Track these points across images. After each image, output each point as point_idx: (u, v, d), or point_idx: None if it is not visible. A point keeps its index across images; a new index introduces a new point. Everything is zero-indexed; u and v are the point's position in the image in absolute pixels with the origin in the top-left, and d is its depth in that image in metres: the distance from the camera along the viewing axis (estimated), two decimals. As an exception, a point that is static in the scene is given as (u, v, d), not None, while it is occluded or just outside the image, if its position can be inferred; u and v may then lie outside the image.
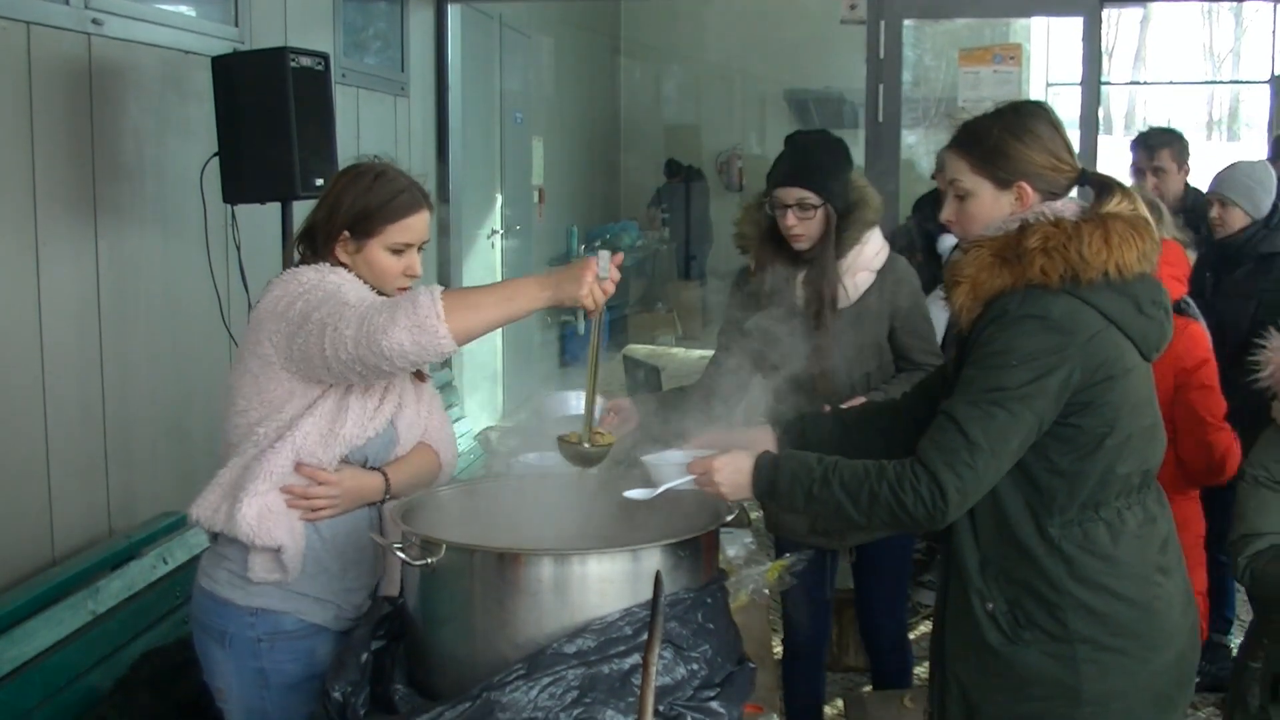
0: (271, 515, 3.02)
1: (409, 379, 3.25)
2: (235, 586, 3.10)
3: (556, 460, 3.37)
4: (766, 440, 3.15)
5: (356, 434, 3.07)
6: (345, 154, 5.56)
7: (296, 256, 3.17)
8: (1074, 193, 2.97)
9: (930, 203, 6.32)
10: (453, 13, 8.03)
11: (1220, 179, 5.49)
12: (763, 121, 15.26)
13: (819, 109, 14.86)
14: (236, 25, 5.47)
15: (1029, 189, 2.87)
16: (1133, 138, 6.69)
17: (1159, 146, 6.27)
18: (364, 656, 2.81)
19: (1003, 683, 2.91)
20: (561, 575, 2.60)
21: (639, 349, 8.15)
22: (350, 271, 3.10)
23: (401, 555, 2.76)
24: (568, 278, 2.84)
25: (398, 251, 3.12)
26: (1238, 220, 5.35)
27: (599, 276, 2.84)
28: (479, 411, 8.32)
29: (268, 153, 4.65)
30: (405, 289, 3.14)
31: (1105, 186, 2.88)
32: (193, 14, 5.38)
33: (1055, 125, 2.93)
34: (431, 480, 3.26)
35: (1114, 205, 2.83)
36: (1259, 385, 3.79)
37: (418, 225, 3.15)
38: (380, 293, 3.10)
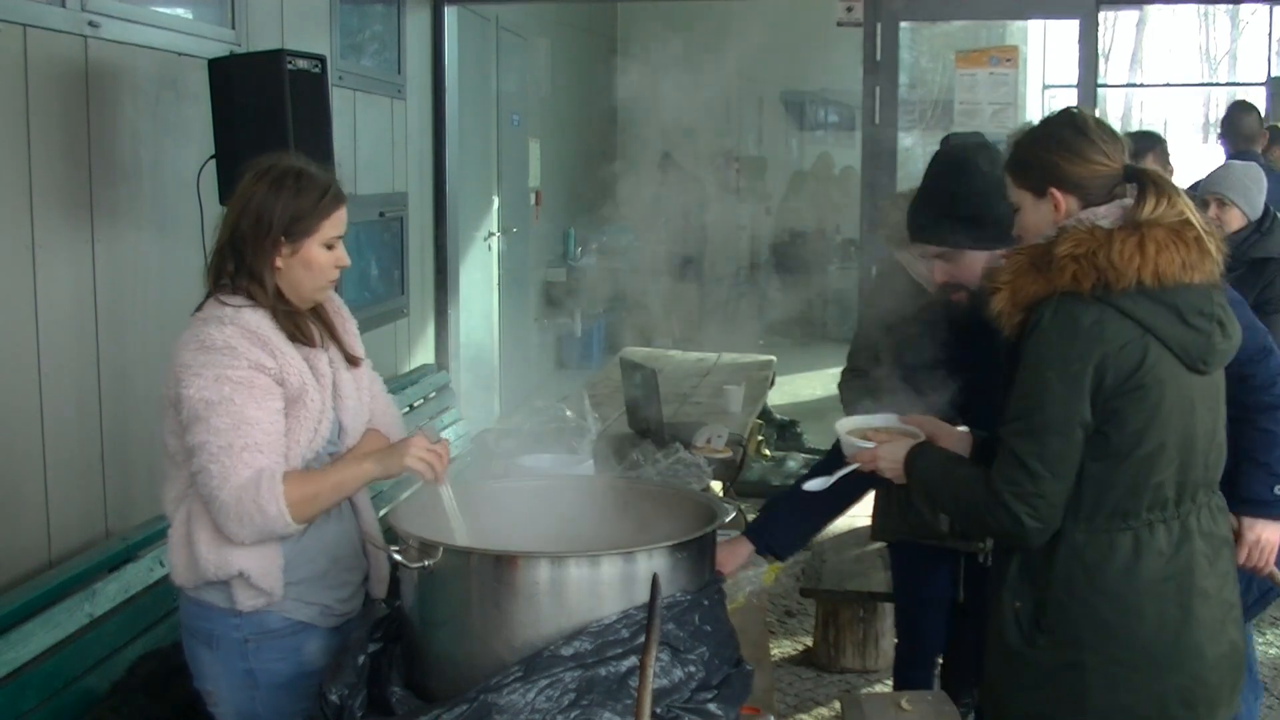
0: (229, 544, 3.02)
1: (343, 367, 3.25)
2: (220, 590, 3.11)
3: (553, 462, 3.38)
4: (963, 442, 3.24)
5: (306, 451, 3.07)
6: (343, 156, 5.58)
7: (231, 266, 3.12)
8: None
9: None
10: (449, 15, 8.03)
11: (1217, 179, 5.41)
12: (760, 123, 15.26)
13: (816, 111, 14.88)
14: (233, 27, 5.47)
15: (1060, 195, 2.92)
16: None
17: (1144, 151, 6.21)
18: (361, 659, 2.81)
19: (1021, 681, 2.93)
20: (558, 578, 2.60)
21: (636, 352, 8.14)
22: (276, 286, 3.09)
23: (399, 558, 2.76)
24: (392, 451, 3.06)
25: (332, 246, 3.13)
26: (1235, 221, 5.27)
27: (430, 442, 3.02)
28: (476, 413, 8.32)
29: (264, 155, 4.64)
30: (334, 281, 3.18)
31: (1143, 188, 2.88)
32: (189, 16, 5.38)
33: (1083, 129, 2.97)
34: None
35: (1150, 210, 2.82)
36: None
37: (344, 216, 3.17)
38: (313, 293, 3.13)
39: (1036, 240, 2.92)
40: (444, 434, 6.64)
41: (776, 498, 3.76)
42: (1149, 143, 6.24)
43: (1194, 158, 6.24)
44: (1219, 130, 8.58)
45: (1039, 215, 2.98)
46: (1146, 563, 2.84)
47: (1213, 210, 5.26)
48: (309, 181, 3.10)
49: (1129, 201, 2.89)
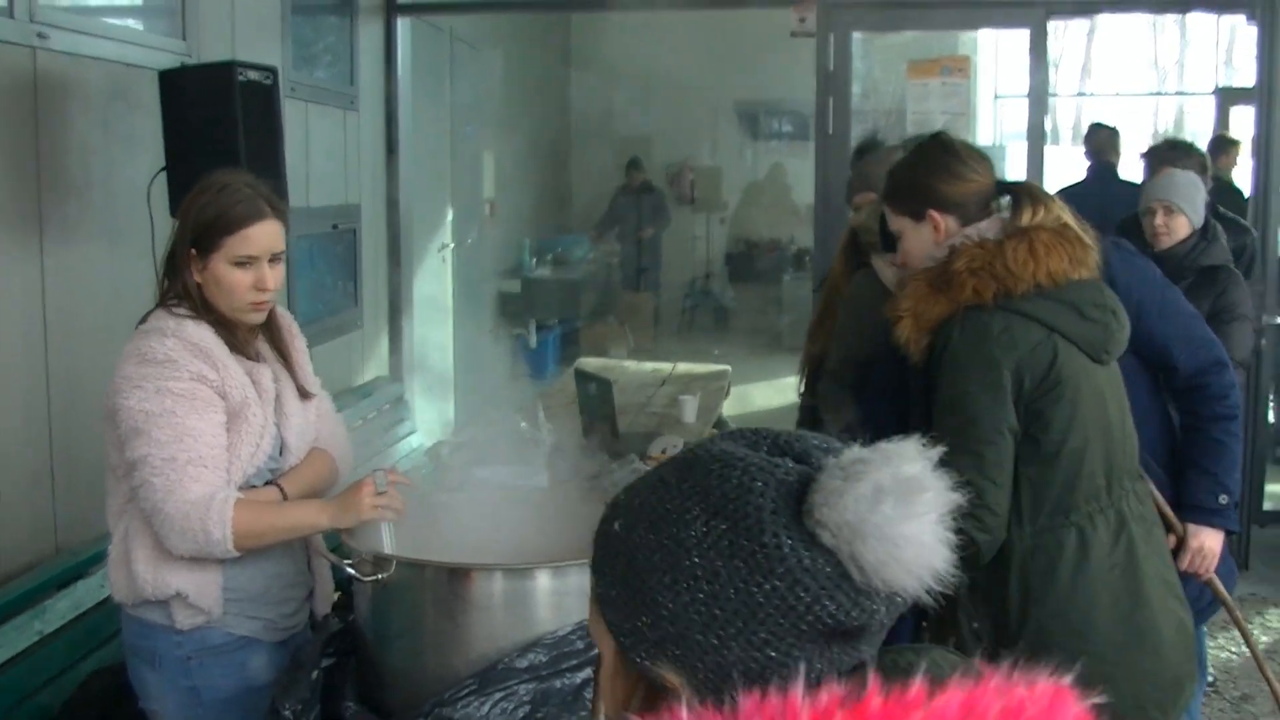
0: (166, 564, 3.00)
1: (289, 383, 3.22)
2: (159, 609, 3.08)
3: (508, 474, 3.36)
4: None
5: (247, 466, 3.05)
6: (295, 168, 5.55)
7: (165, 284, 3.10)
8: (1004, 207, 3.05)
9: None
10: (402, 26, 8.00)
11: (1163, 186, 5.38)
12: (714, 133, 15.30)
13: (769, 121, 14.92)
14: (184, 39, 5.44)
15: (939, 216, 3.01)
16: (1079, 149, 6.75)
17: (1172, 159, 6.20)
18: (314, 674, 2.80)
19: None
20: (513, 590, 2.60)
21: (590, 362, 8.13)
22: (207, 298, 3.05)
23: (352, 571, 2.75)
24: (345, 504, 3.00)
25: (242, 264, 3.01)
26: (1183, 228, 5.26)
27: (378, 490, 2.97)
28: (430, 425, 8.29)
29: (215, 167, 4.60)
30: (260, 304, 3.07)
31: (1017, 198, 2.98)
32: (139, 27, 5.35)
33: (950, 149, 3.08)
34: (330, 485, 3.24)
35: (1030, 218, 2.92)
36: None
37: (260, 236, 3.02)
38: (233, 311, 3.05)
39: (924, 264, 2.99)
40: (407, 440, 6.62)
41: None
42: (1173, 153, 6.23)
43: (1140, 166, 6.22)
44: (1085, 145, 8.87)
45: (921, 239, 3.05)
46: (1094, 554, 2.89)
47: (1160, 217, 5.24)
48: (227, 194, 3.02)
49: (1006, 214, 2.96)
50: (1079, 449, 2.92)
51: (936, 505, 1.27)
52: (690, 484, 1.29)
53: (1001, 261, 2.88)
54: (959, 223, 3.01)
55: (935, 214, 3.02)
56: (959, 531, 2.82)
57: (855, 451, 1.28)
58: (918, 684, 1.17)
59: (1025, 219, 2.93)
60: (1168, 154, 6.20)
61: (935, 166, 3.06)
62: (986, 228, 2.98)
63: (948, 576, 1.27)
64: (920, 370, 3.00)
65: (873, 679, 1.18)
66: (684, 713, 1.18)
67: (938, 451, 1.31)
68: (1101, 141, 8.74)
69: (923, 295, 2.93)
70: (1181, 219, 5.23)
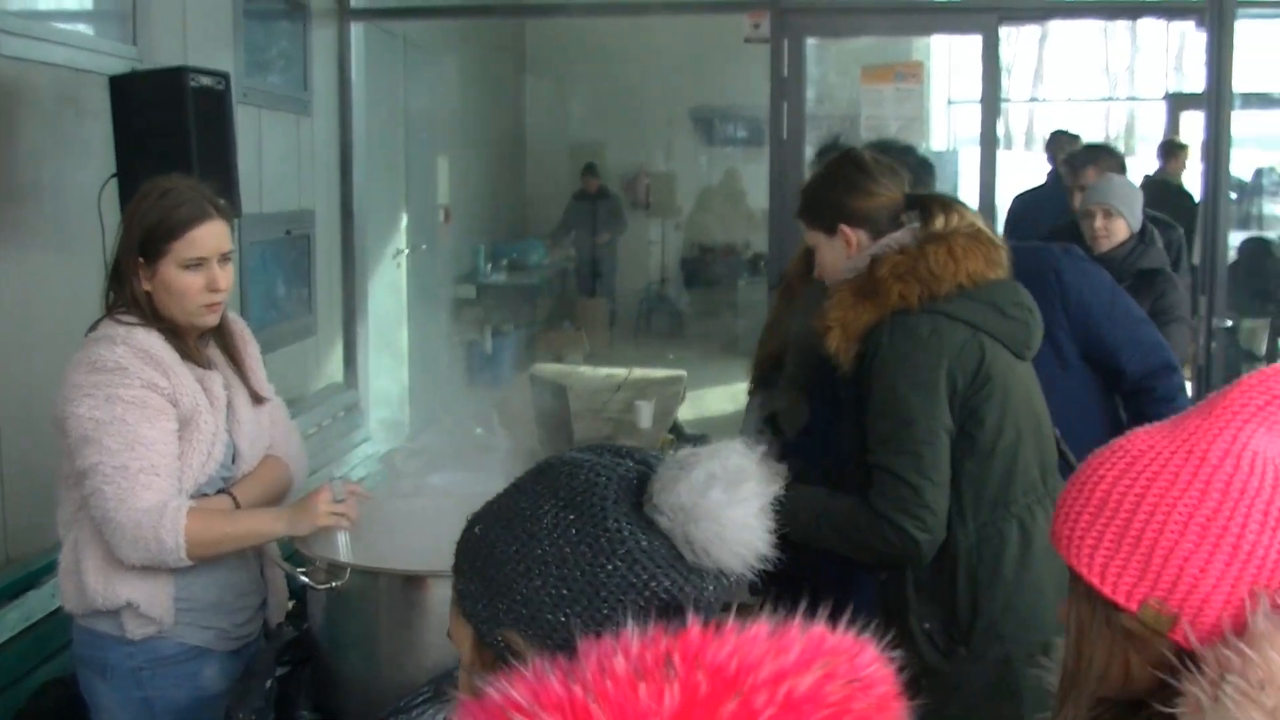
0: (117, 574, 2.98)
1: (241, 389, 3.20)
2: (110, 619, 3.05)
3: (463, 481, 3.35)
4: None
5: (199, 475, 3.03)
6: (248, 174, 5.52)
7: (110, 295, 3.08)
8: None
9: None
10: (356, 31, 7.97)
11: (1103, 190, 5.39)
12: (669, 139, 15.31)
13: (724, 127, 14.94)
14: (135, 44, 5.40)
15: (850, 230, 3.09)
16: (1032, 155, 6.80)
17: (1088, 163, 6.22)
18: (268, 683, 2.79)
19: (955, 697, 2.95)
20: (468, 597, 2.58)
21: (546, 368, 8.12)
22: (155, 307, 3.02)
23: (306, 579, 2.74)
24: (301, 510, 3.00)
25: (193, 268, 2.98)
26: (1122, 231, 5.28)
27: (335, 498, 2.98)
28: (385, 433, 8.26)
29: (168, 173, 4.59)
30: (214, 306, 3.05)
31: (925, 208, 3.06)
32: (90, 32, 5.31)
33: (860, 165, 3.15)
34: (283, 493, 3.22)
35: (942, 225, 3.01)
36: None
37: (207, 237, 3.00)
38: (187, 316, 3.03)
39: (840, 276, 3.07)
40: (361, 448, 6.60)
41: None
42: (1093, 155, 6.27)
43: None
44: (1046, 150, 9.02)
45: (834, 253, 3.13)
46: (1036, 545, 2.95)
47: (1099, 220, 5.26)
48: (170, 199, 2.99)
49: (916, 225, 3.06)
50: (1013, 443, 2.99)
51: (759, 493, 1.41)
52: (543, 485, 1.45)
53: (924, 265, 2.96)
54: (870, 237, 3.08)
55: (846, 229, 3.10)
56: (899, 530, 2.89)
57: (688, 450, 1.43)
58: (730, 620, 1.30)
59: (938, 225, 3.01)
60: (1087, 158, 6.24)
61: (845, 182, 3.14)
62: (899, 238, 3.05)
63: (769, 557, 1.41)
64: (850, 380, 3.06)
65: (693, 617, 1.31)
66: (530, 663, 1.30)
67: (760, 449, 1.44)
68: (1062, 147, 8.81)
69: (849, 305, 3.00)
70: (1120, 222, 5.26)
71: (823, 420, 3.52)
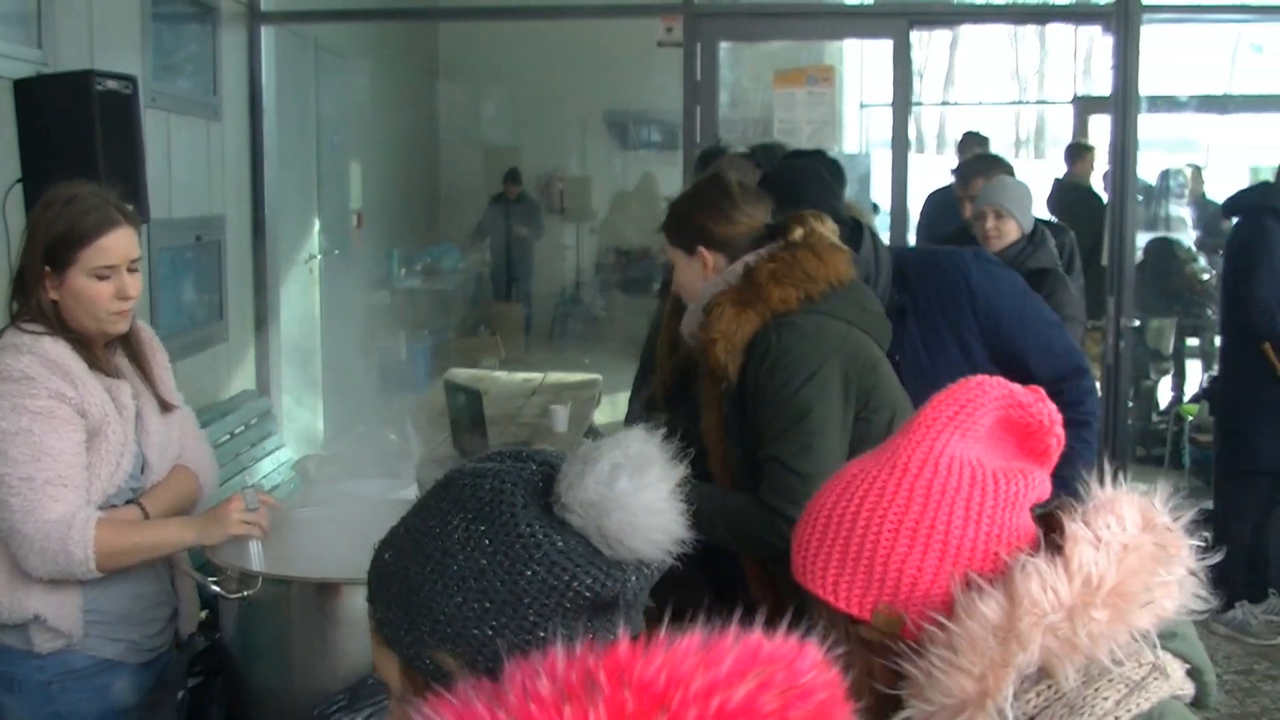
0: (23, 586, 2.94)
1: (150, 399, 3.16)
2: (17, 632, 3.00)
3: (376, 488, 3.34)
4: None
5: (107, 485, 2.99)
6: (156, 179, 5.45)
7: (14, 305, 3.03)
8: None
9: None
10: (266, 34, 7.90)
11: (994, 191, 5.44)
12: (583, 143, 15.31)
13: (639, 130, 14.96)
14: (39, 47, 5.32)
15: (708, 253, 3.19)
16: (944, 159, 6.87)
17: (975, 174, 6.25)
18: (180, 694, 2.76)
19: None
20: (382, 604, 2.57)
21: (460, 374, 8.09)
22: (61, 319, 2.98)
23: (217, 589, 2.71)
24: (213, 519, 2.99)
25: (103, 276, 2.95)
26: (1013, 232, 5.34)
27: (248, 507, 2.97)
28: (299, 440, 8.19)
29: (74, 179, 4.53)
30: (125, 313, 3.02)
31: (784, 227, 3.18)
32: (-7, 36, 5.23)
33: (726, 191, 3.26)
34: (193, 503, 3.19)
35: (800, 234, 3.14)
36: None
37: (116, 245, 2.97)
38: (97, 324, 2.99)
39: (710, 291, 3.16)
40: (274, 455, 6.54)
41: None
42: (982, 166, 6.29)
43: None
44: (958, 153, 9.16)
45: (691, 273, 3.23)
46: None
47: (990, 221, 5.32)
48: (76, 207, 2.95)
49: (778, 242, 3.16)
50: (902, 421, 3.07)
51: (666, 476, 1.39)
52: (448, 500, 1.42)
53: (799, 269, 3.08)
54: (727, 261, 3.18)
55: (704, 251, 3.19)
56: (789, 521, 2.96)
57: (588, 445, 1.41)
58: (661, 632, 1.27)
59: (797, 235, 3.13)
60: (977, 166, 6.29)
61: (709, 206, 3.23)
62: (771, 248, 3.16)
63: (685, 541, 1.39)
64: (735, 390, 3.14)
65: (623, 631, 1.30)
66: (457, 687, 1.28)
67: (660, 433, 1.43)
68: (972, 149, 8.93)
69: (730, 316, 3.09)
70: (1011, 223, 5.33)
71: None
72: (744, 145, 5.43)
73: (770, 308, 3.06)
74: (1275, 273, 6.34)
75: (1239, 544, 6.53)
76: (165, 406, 3.17)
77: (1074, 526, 1.60)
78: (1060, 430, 1.58)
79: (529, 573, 1.34)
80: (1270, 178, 6.77)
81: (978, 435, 1.62)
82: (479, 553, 1.36)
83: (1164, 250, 10.26)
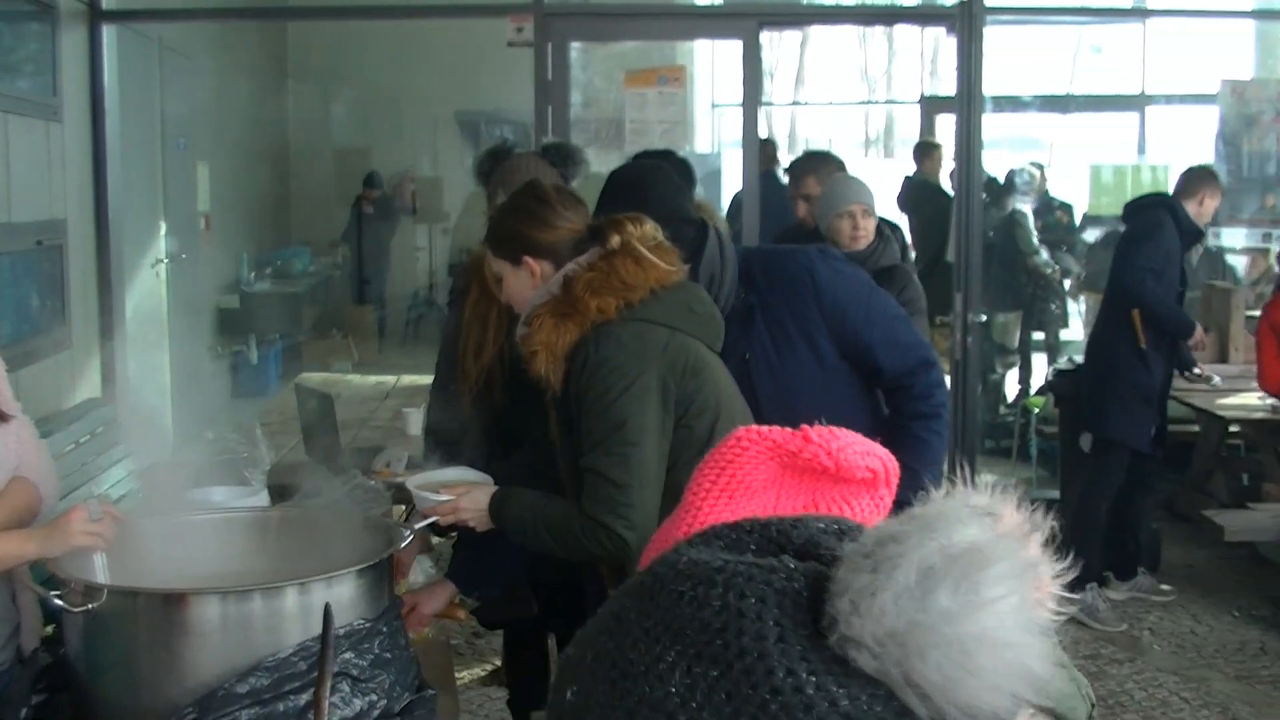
0: None
1: None
2: None
3: (225, 495, 3.29)
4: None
5: None
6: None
7: None
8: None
9: None
10: (108, 34, 7.74)
11: (857, 190, 5.37)
12: (434, 144, 15.22)
13: (490, 131, 14.91)
14: None
15: (534, 261, 3.22)
16: (795, 156, 6.93)
17: (807, 172, 6.25)
18: (24, 711, 2.69)
19: None
20: (230, 614, 2.54)
21: (312, 377, 8.03)
22: None
23: (61, 602, 2.65)
24: (54, 530, 2.89)
25: None
26: (873, 231, 5.37)
27: (91, 518, 2.87)
28: (148, 448, 8.03)
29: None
30: None
31: (601, 231, 3.20)
32: None
33: (543, 198, 3.30)
34: (33, 515, 3.11)
35: (616, 241, 3.16)
36: None
37: None
38: None
39: (534, 304, 3.18)
40: (113, 469, 6.40)
41: (465, 536, 3.70)
42: (813, 163, 6.31)
43: (854, 172, 6.35)
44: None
45: (520, 283, 3.26)
46: None
47: (861, 219, 5.35)
48: None
49: (597, 249, 3.18)
50: (728, 426, 3.11)
51: (1014, 581, 0.89)
52: (656, 620, 0.94)
53: (616, 277, 3.10)
54: (554, 267, 3.20)
55: (530, 260, 3.22)
56: (606, 530, 3.03)
57: (882, 528, 0.93)
58: None
59: (614, 243, 3.15)
60: (807, 166, 6.32)
61: (528, 215, 3.26)
62: (588, 257, 3.17)
63: (1052, 683, 0.89)
64: (560, 400, 3.19)
65: None
66: None
67: (999, 503, 0.96)
68: (770, 152, 9.24)
69: (550, 328, 3.11)
70: (873, 221, 5.39)
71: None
72: (537, 146, 5.42)
73: (589, 318, 3.09)
74: (1159, 251, 6.66)
75: (1093, 526, 6.71)
76: (1, 417, 3.10)
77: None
78: (866, 459, 1.39)
79: None
80: (1109, 176, 7.01)
81: (752, 491, 1.32)
82: (710, 713, 0.89)
83: (1009, 246, 10.47)
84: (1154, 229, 6.67)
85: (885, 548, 0.89)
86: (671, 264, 3.21)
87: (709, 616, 0.90)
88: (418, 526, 3.16)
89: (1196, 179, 6.92)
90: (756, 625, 0.89)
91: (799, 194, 6.08)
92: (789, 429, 1.33)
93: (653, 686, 0.91)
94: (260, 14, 10.53)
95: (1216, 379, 7.66)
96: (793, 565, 0.93)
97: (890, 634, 0.86)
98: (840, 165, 6.16)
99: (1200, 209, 6.81)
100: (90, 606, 2.60)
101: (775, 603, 0.90)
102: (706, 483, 1.31)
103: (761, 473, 1.31)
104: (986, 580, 0.87)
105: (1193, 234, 6.86)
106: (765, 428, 1.35)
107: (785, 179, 7.54)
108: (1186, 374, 7.39)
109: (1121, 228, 7.24)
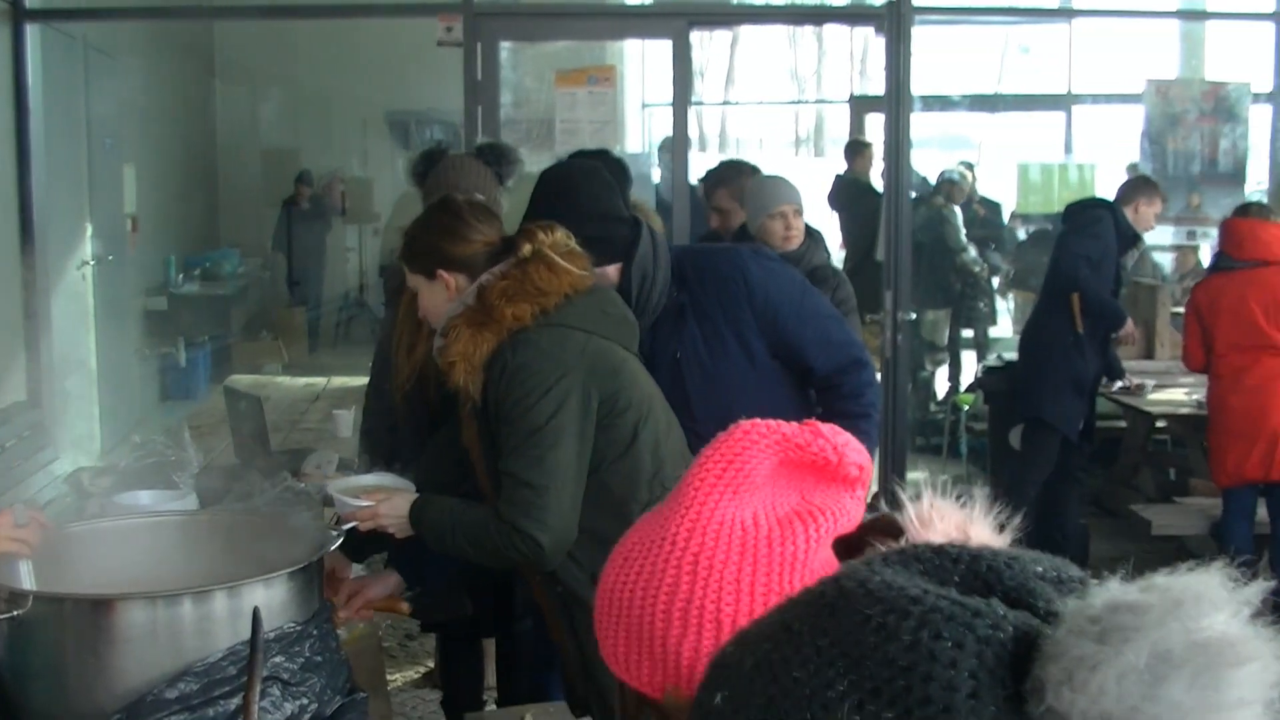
0: None
1: None
2: None
3: (153, 499, 3.26)
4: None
5: None
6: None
7: None
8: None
9: None
10: (31, 32, 7.66)
11: (788, 191, 5.36)
12: (364, 144, 15.14)
13: (421, 131, 14.85)
14: None
15: (448, 275, 3.24)
16: (725, 157, 6.94)
17: (720, 184, 6.19)
18: (-54, 721, 2.65)
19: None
20: (158, 619, 2.52)
21: (242, 379, 7.96)
22: None
23: (-17, 609, 2.61)
24: None
25: None
26: (803, 230, 5.38)
27: (16, 523, 2.82)
28: (73, 451, 7.95)
29: None
30: None
31: (513, 242, 3.24)
32: None
33: (455, 212, 3.33)
34: None
35: (528, 250, 3.17)
36: None
37: None
38: None
39: (448, 315, 3.20)
40: (40, 474, 6.33)
41: None
42: (723, 176, 6.22)
43: (785, 171, 6.35)
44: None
45: (435, 297, 3.28)
46: None
47: (793, 219, 5.35)
48: None
49: (511, 259, 3.20)
50: (654, 430, 3.22)
51: (1262, 689, 0.77)
52: (833, 640, 0.85)
53: (530, 284, 3.12)
54: (469, 280, 3.22)
55: (444, 274, 3.24)
56: (521, 534, 3.06)
57: (1115, 592, 0.82)
58: None
59: (525, 251, 3.17)
60: (718, 179, 6.28)
61: (441, 229, 3.29)
62: (502, 267, 3.19)
63: None
64: (481, 408, 3.19)
65: None
66: None
67: (1256, 592, 0.82)
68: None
69: (467, 338, 3.12)
70: (802, 221, 5.40)
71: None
72: (473, 147, 5.41)
73: (505, 325, 3.10)
74: (1098, 244, 6.83)
75: (1022, 512, 6.77)
76: None
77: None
78: (859, 456, 1.43)
79: None
80: (1037, 175, 7.14)
81: (754, 486, 1.39)
82: None
83: (938, 244, 10.55)
84: (1093, 224, 6.89)
85: (1118, 616, 0.79)
86: (584, 269, 3.23)
87: (896, 652, 0.80)
88: (335, 533, 3.15)
89: (1132, 187, 7.24)
90: (949, 674, 0.78)
91: (711, 206, 6.05)
92: (795, 424, 1.38)
93: (815, 714, 0.82)
94: (187, 13, 10.44)
95: (1149, 385, 7.74)
96: (1002, 612, 0.82)
97: (1104, 716, 0.76)
98: (754, 170, 6.13)
99: (1136, 215, 7.03)
100: (15, 614, 2.57)
101: (975, 652, 0.79)
102: (712, 476, 1.35)
103: (763, 466, 1.36)
104: (1232, 680, 0.75)
105: (1130, 238, 7.04)
106: (769, 421, 1.39)
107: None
108: (1119, 385, 7.54)
109: (1049, 226, 7.37)
